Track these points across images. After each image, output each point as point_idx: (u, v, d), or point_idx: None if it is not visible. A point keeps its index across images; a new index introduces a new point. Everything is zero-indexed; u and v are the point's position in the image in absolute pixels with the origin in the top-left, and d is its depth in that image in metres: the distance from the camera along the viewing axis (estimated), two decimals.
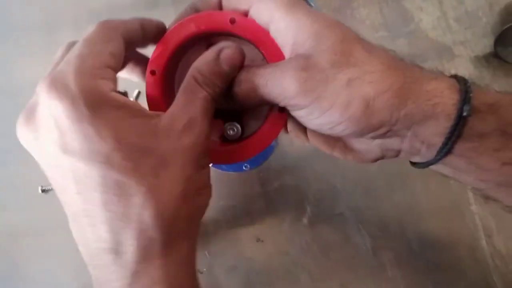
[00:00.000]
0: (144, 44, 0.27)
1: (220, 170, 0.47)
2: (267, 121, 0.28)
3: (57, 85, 0.21)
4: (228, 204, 0.47)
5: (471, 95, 0.25)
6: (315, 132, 0.31)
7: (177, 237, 0.23)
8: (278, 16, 0.25)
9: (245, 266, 0.46)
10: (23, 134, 0.23)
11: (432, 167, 0.28)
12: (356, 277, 0.47)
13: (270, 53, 0.26)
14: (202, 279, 0.26)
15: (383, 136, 0.26)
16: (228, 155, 0.28)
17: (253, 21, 0.26)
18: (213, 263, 0.47)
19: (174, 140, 0.23)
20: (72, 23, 0.51)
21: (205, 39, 0.29)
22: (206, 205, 0.26)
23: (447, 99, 0.25)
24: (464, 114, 0.25)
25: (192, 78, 0.25)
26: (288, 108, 0.26)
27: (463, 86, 0.26)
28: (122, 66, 0.27)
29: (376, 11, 0.52)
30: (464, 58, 0.51)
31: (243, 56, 0.26)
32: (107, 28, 0.23)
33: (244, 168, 0.47)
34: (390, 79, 0.25)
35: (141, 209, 0.21)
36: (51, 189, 0.47)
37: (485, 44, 0.51)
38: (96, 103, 0.21)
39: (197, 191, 0.24)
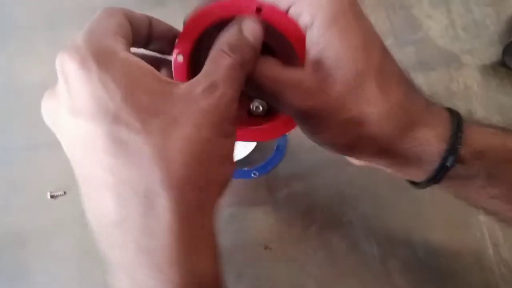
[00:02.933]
0: (151, 40, 0.27)
1: None
2: None
3: (69, 48, 0.21)
4: (236, 211, 0.47)
5: (459, 146, 0.26)
6: None
7: (189, 206, 0.21)
8: (319, 22, 0.24)
9: (252, 273, 0.46)
10: (45, 110, 0.23)
11: None
12: (362, 285, 0.47)
13: (296, 46, 0.26)
14: None
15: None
16: (253, 132, 0.29)
17: (279, 12, 0.26)
18: None
19: (190, 102, 0.21)
20: (76, 22, 0.50)
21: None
22: (227, 178, 0.23)
23: (434, 148, 0.26)
24: (447, 164, 0.26)
25: (217, 50, 0.24)
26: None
27: (455, 133, 0.26)
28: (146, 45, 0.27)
29: (384, 19, 0.52)
30: (471, 67, 0.51)
31: (263, 29, 0.25)
32: (110, 9, 0.24)
33: (252, 175, 0.47)
34: (388, 124, 0.25)
35: (147, 171, 0.20)
36: (60, 195, 0.47)
37: (492, 53, 0.51)
38: (106, 60, 0.20)
39: (217, 158, 0.22)
